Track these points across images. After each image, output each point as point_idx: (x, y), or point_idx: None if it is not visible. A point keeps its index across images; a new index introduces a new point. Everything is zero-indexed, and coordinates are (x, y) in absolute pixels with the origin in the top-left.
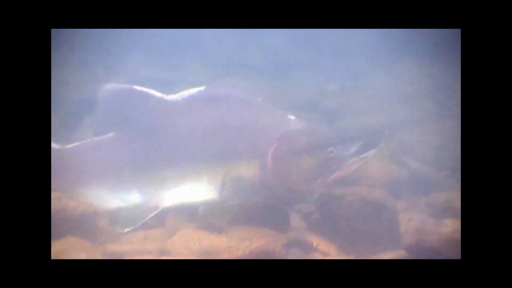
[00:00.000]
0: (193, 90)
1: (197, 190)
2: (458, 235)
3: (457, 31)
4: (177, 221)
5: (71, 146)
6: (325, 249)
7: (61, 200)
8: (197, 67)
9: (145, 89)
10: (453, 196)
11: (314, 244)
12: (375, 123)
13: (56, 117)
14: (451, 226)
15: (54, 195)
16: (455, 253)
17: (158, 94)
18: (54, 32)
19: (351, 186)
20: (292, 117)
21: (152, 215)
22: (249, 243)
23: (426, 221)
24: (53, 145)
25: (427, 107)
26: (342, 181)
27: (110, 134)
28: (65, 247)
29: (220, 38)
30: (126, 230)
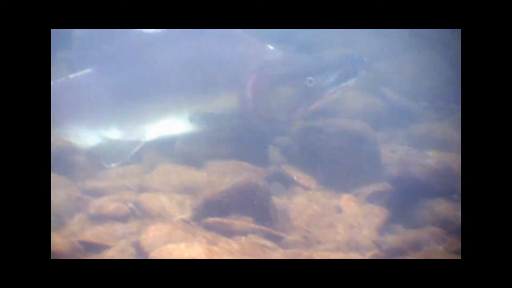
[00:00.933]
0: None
1: (176, 123)
2: (441, 166)
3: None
4: (155, 156)
5: None
6: (305, 182)
7: None
8: None
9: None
10: (433, 127)
11: (295, 177)
12: (353, 53)
13: None
14: (435, 157)
15: None
16: (437, 184)
17: (136, 29)
18: None
19: (330, 118)
20: (271, 47)
21: (136, 149)
22: (230, 178)
23: (410, 152)
24: None
25: (404, 37)
26: (321, 113)
27: (87, 71)
28: None
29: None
30: (113, 165)
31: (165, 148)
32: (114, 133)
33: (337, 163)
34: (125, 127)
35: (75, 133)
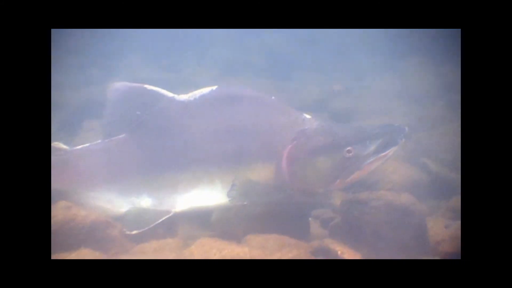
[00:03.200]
0: (205, 90)
1: (210, 194)
2: None
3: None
4: (191, 229)
5: (81, 147)
6: (350, 257)
7: (70, 209)
8: (197, 68)
9: (156, 89)
10: None
11: (339, 252)
12: (393, 122)
13: (54, 122)
14: None
15: (63, 204)
16: None
17: (169, 94)
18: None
19: (375, 191)
20: (308, 116)
21: (163, 219)
22: (279, 255)
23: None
24: (61, 146)
25: (440, 107)
26: (361, 185)
27: (121, 136)
28: None
29: (218, 37)
30: (134, 232)
31: (201, 221)
32: (145, 201)
33: (382, 237)
34: (156, 196)
35: (107, 199)
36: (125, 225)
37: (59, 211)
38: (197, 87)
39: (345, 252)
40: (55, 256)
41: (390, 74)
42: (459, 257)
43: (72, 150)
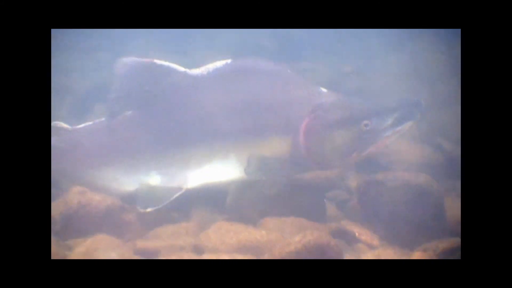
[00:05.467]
0: (219, 63)
1: (224, 169)
2: None
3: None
4: (204, 212)
5: (84, 125)
6: (367, 239)
7: (85, 194)
8: (207, 51)
9: (167, 63)
10: None
11: (357, 234)
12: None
13: (63, 107)
14: None
15: (78, 189)
16: None
17: (180, 68)
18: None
19: (391, 171)
20: (324, 90)
21: (176, 196)
22: (299, 237)
23: None
24: (63, 125)
25: (453, 87)
26: (376, 166)
27: (128, 113)
28: (95, 246)
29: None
30: (148, 210)
31: (216, 203)
32: (154, 179)
33: (400, 217)
34: (166, 173)
35: (113, 178)
36: (138, 203)
37: (74, 196)
38: None
39: (363, 234)
40: (71, 241)
41: (401, 54)
42: None
43: (74, 128)
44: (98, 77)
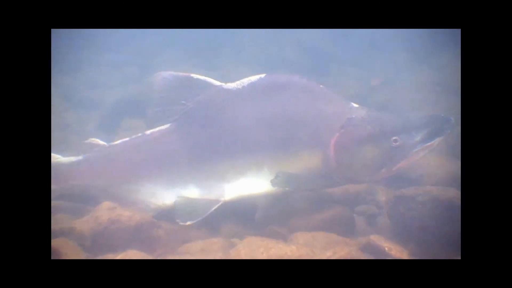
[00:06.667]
0: (254, 78)
1: (257, 182)
2: None
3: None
4: (233, 227)
5: (121, 141)
6: (397, 254)
7: (114, 210)
8: (234, 65)
9: (203, 77)
10: None
11: (386, 249)
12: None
13: (91, 122)
14: None
15: (106, 205)
16: None
17: (216, 82)
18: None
19: (421, 186)
20: (355, 105)
21: (214, 208)
22: (330, 253)
23: None
24: (99, 142)
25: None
26: (405, 180)
27: (165, 127)
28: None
29: (253, 34)
30: (188, 223)
31: (245, 218)
32: (192, 192)
33: (430, 232)
34: (204, 186)
35: (151, 192)
36: (178, 217)
37: (103, 212)
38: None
39: (392, 249)
40: (102, 257)
41: (427, 67)
42: None
43: (111, 145)
44: (125, 92)
